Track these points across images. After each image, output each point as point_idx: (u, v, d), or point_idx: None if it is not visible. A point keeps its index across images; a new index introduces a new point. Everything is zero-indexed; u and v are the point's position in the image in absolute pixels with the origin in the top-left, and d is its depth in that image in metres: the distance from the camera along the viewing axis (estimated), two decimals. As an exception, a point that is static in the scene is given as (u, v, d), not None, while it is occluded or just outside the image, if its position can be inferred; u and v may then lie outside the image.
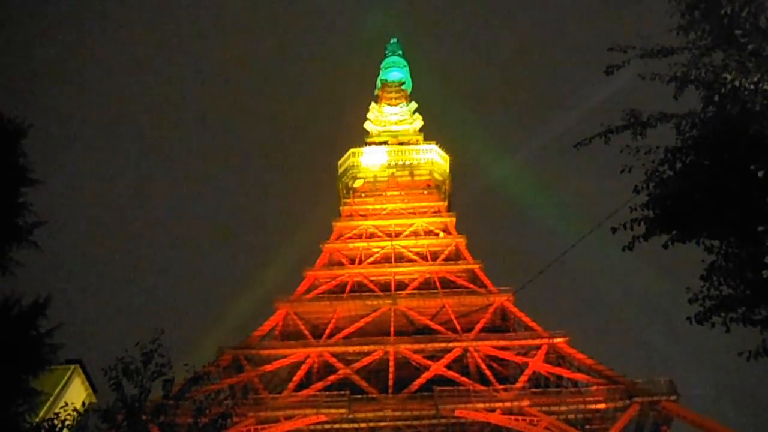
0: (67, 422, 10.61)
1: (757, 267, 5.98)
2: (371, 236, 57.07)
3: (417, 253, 54.18)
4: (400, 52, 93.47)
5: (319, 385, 39.27)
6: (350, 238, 57.28)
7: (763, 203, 5.88)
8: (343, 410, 36.82)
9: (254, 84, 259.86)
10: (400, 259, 53.71)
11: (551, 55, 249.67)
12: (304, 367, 40.97)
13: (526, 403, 36.56)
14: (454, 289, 48.90)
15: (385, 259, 53.78)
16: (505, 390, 37.80)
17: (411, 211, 61.45)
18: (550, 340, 41.66)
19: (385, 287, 49.84)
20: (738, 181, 6.04)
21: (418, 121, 79.13)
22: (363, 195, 65.71)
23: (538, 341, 41.97)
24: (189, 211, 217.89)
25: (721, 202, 6.23)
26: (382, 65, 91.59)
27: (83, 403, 12.60)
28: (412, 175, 68.50)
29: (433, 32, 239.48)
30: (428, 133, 76.95)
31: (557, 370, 40.57)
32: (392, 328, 44.43)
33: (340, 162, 71.34)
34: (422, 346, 42.26)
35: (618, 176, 7.24)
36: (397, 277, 51.10)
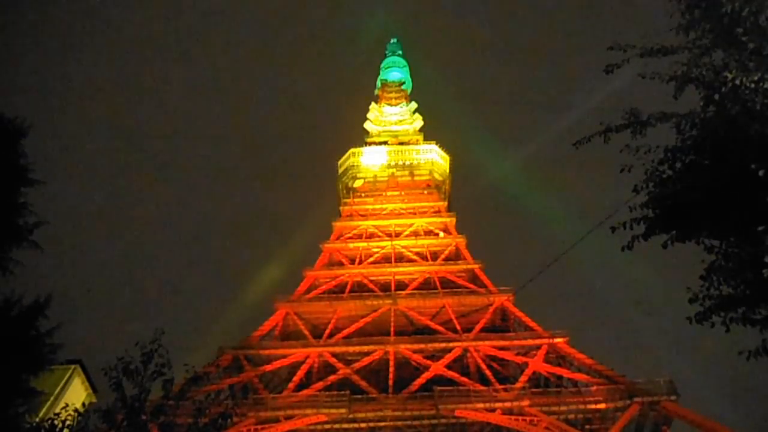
0: (67, 422, 10.61)
1: (757, 267, 5.96)
2: (371, 236, 57.06)
3: (417, 253, 54.17)
4: (400, 52, 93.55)
5: (319, 385, 39.25)
6: (350, 238, 57.27)
7: (763, 203, 5.87)
8: (343, 410, 36.81)
9: (254, 84, 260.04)
10: (400, 259, 53.69)
11: (551, 55, 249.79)
12: (304, 367, 40.95)
13: (526, 403, 36.54)
14: (454, 289, 48.89)
15: (385, 259, 53.77)
16: (505, 390, 37.77)
17: (411, 211, 61.44)
18: (550, 340, 41.64)
19: (385, 287, 49.82)
20: (738, 180, 6.03)
21: (418, 121, 79.15)
22: (363, 195, 65.69)
23: (538, 341, 41.94)
24: (189, 210, 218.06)
25: (721, 201, 6.21)
26: (382, 65, 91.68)
27: (83, 403, 12.61)
28: (412, 175, 68.51)
29: (433, 32, 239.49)
30: (428, 133, 77.14)
31: (557, 370, 40.54)
32: (392, 328, 44.40)
33: (340, 162, 71.37)
34: (422, 346, 42.23)
35: (618, 176, 7.23)
36: (397, 277, 51.08)
